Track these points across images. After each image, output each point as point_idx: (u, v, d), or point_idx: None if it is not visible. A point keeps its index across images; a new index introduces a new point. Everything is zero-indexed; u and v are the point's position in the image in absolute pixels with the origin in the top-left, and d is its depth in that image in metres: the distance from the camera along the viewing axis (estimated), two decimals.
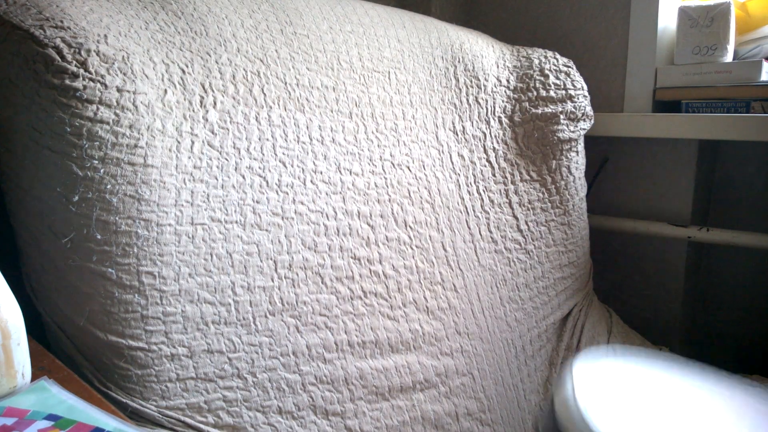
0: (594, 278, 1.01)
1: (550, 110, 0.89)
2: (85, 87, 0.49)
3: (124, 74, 0.52)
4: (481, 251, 0.82)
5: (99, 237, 0.51)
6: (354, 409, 0.65)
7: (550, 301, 0.89)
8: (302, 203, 0.65)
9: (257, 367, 0.59)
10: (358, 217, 0.70)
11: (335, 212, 0.68)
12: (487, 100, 0.87)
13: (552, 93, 0.90)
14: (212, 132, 0.59)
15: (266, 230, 0.62)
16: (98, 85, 0.50)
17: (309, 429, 0.61)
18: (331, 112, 0.70)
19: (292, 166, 0.65)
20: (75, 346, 0.53)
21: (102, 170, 0.51)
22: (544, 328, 0.87)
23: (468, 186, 0.82)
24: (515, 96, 0.90)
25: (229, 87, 0.62)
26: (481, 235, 0.82)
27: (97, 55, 0.50)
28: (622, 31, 1.04)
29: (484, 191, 0.84)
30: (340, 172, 0.69)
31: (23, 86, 0.49)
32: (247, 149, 0.62)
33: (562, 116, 0.90)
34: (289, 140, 0.66)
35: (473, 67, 0.88)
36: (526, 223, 0.88)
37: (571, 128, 0.91)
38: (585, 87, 0.93)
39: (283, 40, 0.69)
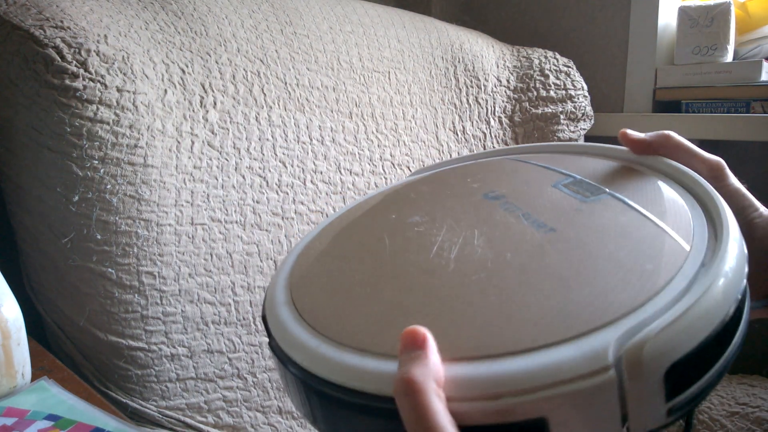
0: None
1: (550, 110, 0.89)
2: (85, 87, 0.49)
3: (124, 74, 0.52)
4: None
5: (99, 237, 0.51)
6: None
7: None
8: (302, 203, 0.65)
9: (257, 367, 0.59)
10: None
11: (335, 212, 0.68)
12: (487, 100, 0.87)
13: (552, 93, 0.90)
14: (212, 132, 0.59)
15: (266, 230, 0.62)
16: (98, 85, 0.50)
17: (309, 429, 0.61)
18: (331, 112, 0.70)
19: (292, 166, 0.65)
20: (75, 346, 0.53)
21: (102, 170, 0.50)
22: None
23: None
24: (515, 96, 0.90)
25: (229, 87, 0.62)
26: None
27: (97, 55, 0.50)
28: (622, 31, 1.04)
29: None
30: (340, 172, 0.69)
31: (23, 86, 0.49)
32: (247, 149, 0.62)
33: (562, 116, 0.90)
34: (289, 140, 0.66)
35: (473, 67, 0.88)
36: None
37: (572, 128, 0.91)
38: (585, 87, 0.93)
39: (283, 40, 0.69)
